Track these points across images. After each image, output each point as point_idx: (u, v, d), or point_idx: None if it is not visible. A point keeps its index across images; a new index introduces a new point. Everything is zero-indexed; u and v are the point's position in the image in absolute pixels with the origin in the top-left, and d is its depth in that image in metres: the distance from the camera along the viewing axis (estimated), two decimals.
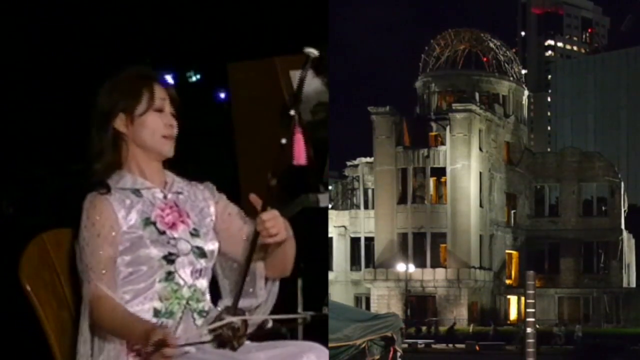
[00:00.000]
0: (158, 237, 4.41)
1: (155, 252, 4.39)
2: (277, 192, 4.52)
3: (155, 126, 4.49)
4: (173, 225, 4.47)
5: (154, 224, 4.43)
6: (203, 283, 4.55)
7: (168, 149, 4.54)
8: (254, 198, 4.56)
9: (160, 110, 4.51)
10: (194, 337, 4.44)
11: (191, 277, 4.48)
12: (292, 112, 4.59)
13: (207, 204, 4.63)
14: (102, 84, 4.58)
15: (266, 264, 4.64)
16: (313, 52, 4.62)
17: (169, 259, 4.42)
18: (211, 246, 4.56)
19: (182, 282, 4.46)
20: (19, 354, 6.86)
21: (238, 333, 4.51)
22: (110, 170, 4.47)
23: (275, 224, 4.48)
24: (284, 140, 4.56)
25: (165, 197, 4.53)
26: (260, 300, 4.65)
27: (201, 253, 4.51)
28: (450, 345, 52.07)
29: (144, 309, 4.41)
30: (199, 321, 4.49)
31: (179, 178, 4.65)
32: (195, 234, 4.52)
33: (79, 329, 4.42)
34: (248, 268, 4.59)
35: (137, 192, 4.47)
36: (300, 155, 4.60)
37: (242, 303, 4.62)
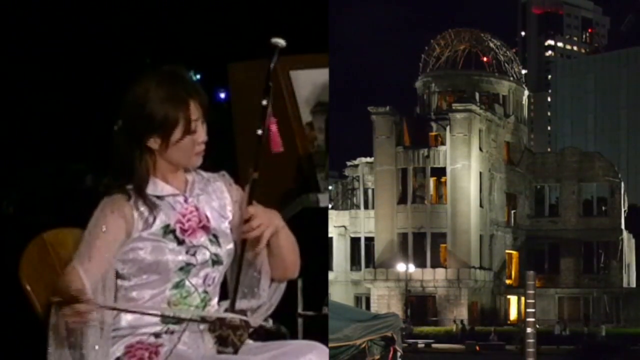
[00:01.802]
0: (176, 247, 4.38)
1: (173, 263, 4.37)
2: (261, 184, 4.53)
3: (188, 148, 4.42)
4: (193, 233, 4.44)
5: (174, 232, 4.40)
6: (215, 289, 4.54)
7: (199, 162, 4.51)
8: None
9: (194, 132, 4.41)
10: (195, 341, 4.44)
11: (203, 285, 4.47)
12: (264, 102, 4.58)
13: (224, 202, 4.60)
14: (132, 87, 4.40)
15: (270, 264, 4.63)
16: (280, 42, 4.60)
17: (186, 269, 4.41)
18: (229, 250, 4.54)
19: (192, 290, 4.44)
20: (19, 353, 6.86)
21: (238, 331, 4.51)
22: (142, 185, 4.40)
23: (260, 223, 4.47)
24: (259, 132, 4.56)
25: (186, 200, 4.49)
26: (261, 301, 4.64)
27: (218, 260, 4.49)
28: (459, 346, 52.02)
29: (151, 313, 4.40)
30: (202, 325, 4.49)
31: (198, 176, 4.59)
32: (214, 240, 4.49)
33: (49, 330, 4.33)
34: (241, 267, 4.58)
35: (159, 198, 4.44)
36: (276, 143, 4.60)
37: (243, 304, 4.62)
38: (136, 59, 8.08)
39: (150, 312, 4.38)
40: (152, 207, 4.38)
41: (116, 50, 8.21)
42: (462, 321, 58.14)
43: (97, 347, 4.27)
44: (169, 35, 8.43)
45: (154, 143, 4.39)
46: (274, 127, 4.60)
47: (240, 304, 4.62)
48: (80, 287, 4.18)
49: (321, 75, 6.89)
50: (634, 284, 72.59)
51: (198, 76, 9.02)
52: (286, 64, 6.83)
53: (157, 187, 4.45)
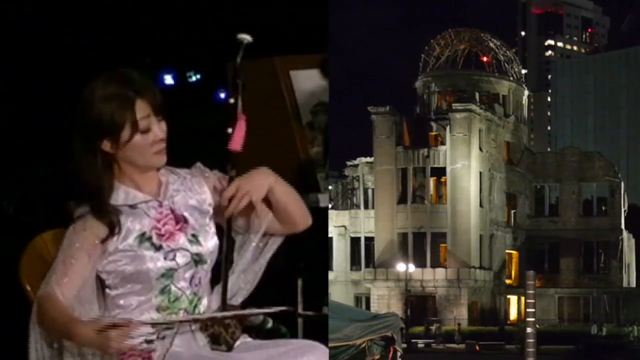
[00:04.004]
0: (155, 254, 4.33)
1: (153, 270, 4.33)
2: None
3: (143, 147, 4.34)
4: (170, 236, 4.38)
5: (150, 239, 4.34)
6: (203, 288, 4.51)
7: (160, 161, 4.43)
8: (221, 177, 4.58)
9: (146, 130, 4.33)
10: (187, 341, 4.43)
11: (190, 286, 4.43)
12: (231, 101, 4.56)
13: (203, 197, 4.54)
14: (80, 96, 4.35)
15: (278, 221, 4.60)
16: (246, 37, 4.58)
17: (168, 274, 4.37)
18: (211, 247, 4.50)
19: (180, 293, 4.40)
20: (18, 353, 6.85)
21: (230, 329, 4.50)
22: (105, 192, 4.33)
23: (240, 195, 4.44)
24: (230, 130, 4.54)
25: (160, 204, 4.43)
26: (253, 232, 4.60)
27: (201, 260, 4.44)
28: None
29: (141, 319, 4.38)
30: (194, 325, 4.47)
31: (173, 175, 4.54)
32: (194, 240, 4.44)
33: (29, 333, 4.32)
34: (228, 262, 4.55)
35: (131, 207, 4.37)
36: (236, 141, 4.55)
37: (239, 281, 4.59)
38: (136, 59, 8.08)
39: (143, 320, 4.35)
40: (117, 217, 4.31)
41: (116, 51, 8.21)
42: (429, 322, 58.02)
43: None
44: (169, 35, 8.43)
45: (107, 146, 4.32)
46: (242, 125, 4.55)
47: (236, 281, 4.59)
48: (66, 310, 4.17)
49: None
50: (634, 284, 72.56)
51: (198, 76, 9.02)
52: (286, 64, 6.83)
53: (128, 195, 4.40)
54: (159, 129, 4.38)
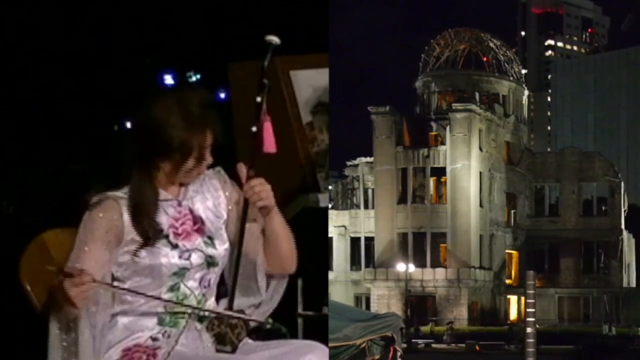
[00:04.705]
0: (169, 252, 4.36)
1: (167, 267, 4.35)
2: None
3: (194, 171, 4.41)
4: (187, 236, 4.41)
5: (167, 237, 4.37)
6: (211, 290, 4.53)
7: (196, 179, 4.50)
8: (240, 166, 4.53)
9: (205, 158, 4.40)
10: (193, 341, 4.44)
11: (199, 287, 4.45)
12: (258, 99, 4.56)
13: (219, 201, 4.56)
14: (151, 106, 4.32)
15: (265, 256, 4.60)
16: (274, 39, 4.59)
17: (180, 273, 4.39)
18: (223, 250, 4.52)
19: (188, 292, 4.42)
20: (19, 354, 6.86)
21: (236, 330, 4.51)
22: (152, 208, 4.35)
23: (263, 189, 4.44)
24: (254, 129, 4.54)
25: (179, 204, 4.46)
26: (261, 298, 4.62)
27: (213, 262, 4.47)
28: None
29: (149, 316, 4.39)
30: (200, 325, 4.48)
31: None
32: (209, 242, 4.46)
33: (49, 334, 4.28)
34: (239, 265, 4.55)
35: None
36: (269, 143, 4.56)
37: (242, 302, 4.61)
38: (137, 59, 8.09)
39: (150, 294, 4.35)
40: (156, 234, 4.33)
41: (117, 51, 8.22)
42: (418, 323, 58.02)
43: (89, 329, 4.24)
44: (169, 35, 8.44)
45: (165, 165, 4.36)
46: (268, 127, 4.56)
47: (240, 302, 4.60)
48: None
49: (321, 75, 6.88)
50: (634, 284, 72.59)
51: (198, 76, 9.03)
52: (286, 64, 6.82)
53: None
54: (210, 156, 4.43)
